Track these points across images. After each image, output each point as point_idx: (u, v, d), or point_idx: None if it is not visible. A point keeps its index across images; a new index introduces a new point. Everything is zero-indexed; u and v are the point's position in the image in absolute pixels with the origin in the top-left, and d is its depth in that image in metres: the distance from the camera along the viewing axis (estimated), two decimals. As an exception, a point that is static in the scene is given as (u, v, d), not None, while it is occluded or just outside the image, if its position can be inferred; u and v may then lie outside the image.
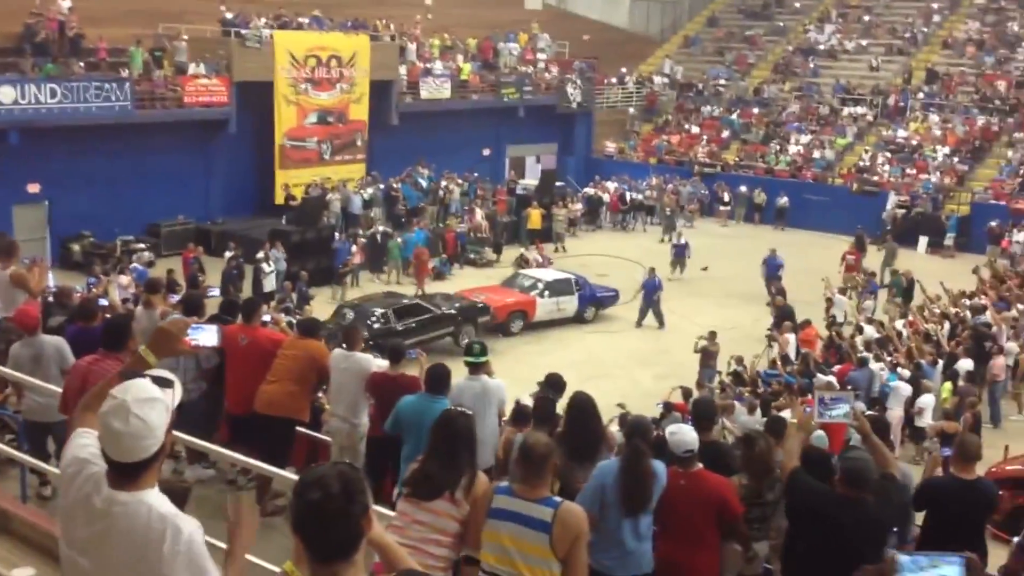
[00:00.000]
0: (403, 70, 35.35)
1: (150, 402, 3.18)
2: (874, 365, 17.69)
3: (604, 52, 44.85)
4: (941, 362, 18.62)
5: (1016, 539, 6.33)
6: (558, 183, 37.46)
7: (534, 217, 33.27)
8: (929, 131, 39.53)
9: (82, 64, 27.96)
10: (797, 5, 49.94)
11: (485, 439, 7.22)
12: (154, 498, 3.20)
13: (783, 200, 37.69)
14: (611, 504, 5.74)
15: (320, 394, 9.98)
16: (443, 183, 34.74)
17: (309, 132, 32.76)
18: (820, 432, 9.36)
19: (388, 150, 34.64)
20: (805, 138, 40.94)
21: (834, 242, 32.45)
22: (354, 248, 27.84)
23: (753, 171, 40.07)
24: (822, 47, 46.51)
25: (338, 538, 2.88)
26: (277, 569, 3.29)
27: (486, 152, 39.77)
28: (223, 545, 3.49)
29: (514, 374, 15.33)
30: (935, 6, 46.38)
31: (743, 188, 38.75)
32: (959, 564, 4.40)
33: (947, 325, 21.15)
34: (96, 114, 26.64)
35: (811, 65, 45.32)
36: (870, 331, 20.68)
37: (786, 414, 10.88)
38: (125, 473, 3.19)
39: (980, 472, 6.77)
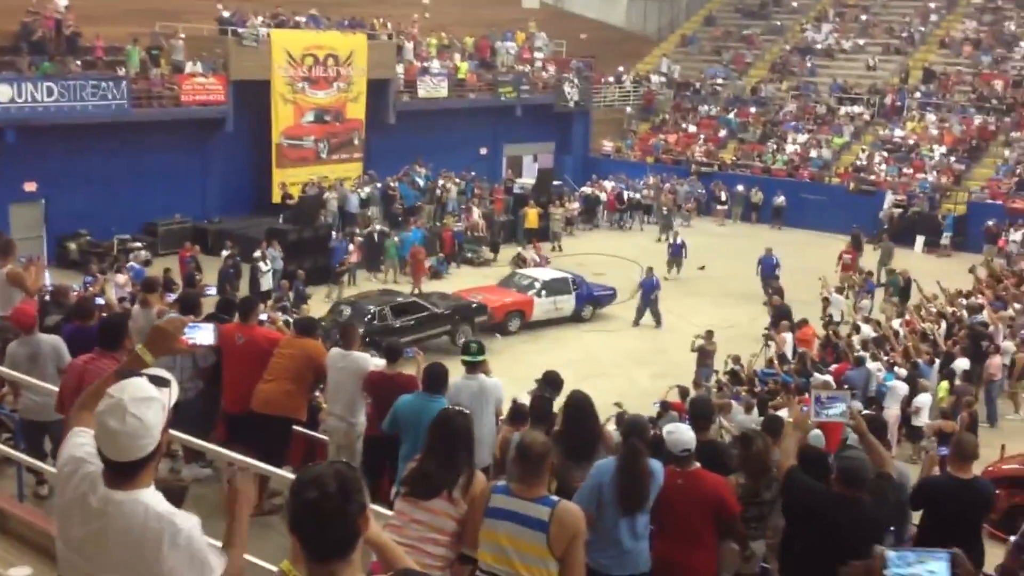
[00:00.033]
0: (400, 69, 35.33)
1: (147, 401, 3.17)
2: (871, 364, 17.72)
3: (601, 51, 44.83)
4: (938, 361, 18.65)
5: (1013, 538, 6.32)
6: (555, 182, 37.49)
7: (531, 216, 33.30)
8: (926, 130, 39.56)
9: (79, 62, 27.93)
10: (794, 4, 49.95)
11: (482, 438, 7.22)
12: (150, 497, 3.20)
13: (780, 199, 37.71)
14: (608, 503, 5.74)
15: (317, 393, 9.98)
16: (440, 182, 34.72)
17: (306, 131, 32.74)
18: (817, 431, 9.38)
19: (385, 149, 34.63)
20: (802, 137, 40.97)
21: (831, 241, 32.46)
22: (351, 247, 27.83)
23: (750, 170, 40.08)
24: (819, 46, 46.53)
25: (335, 537, 2.87)
26: (274, 568, 3.28)
27: (483, 151, 39.75)
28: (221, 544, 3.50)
29: (511, 373, 15.33)
30: (932, 5, 46.41)
31: (740, 187, 38.76)
32: (946, 559, 4.43)
33: (944, 324, 21.19)
34: (93, 112, 26.61)
35: (808, 64, 45.35)
36: (867, 330, 20.72)
37: (783, 413, 10.89)
38: (121, 472, 3.18)
39: (977, 471, 6.76)
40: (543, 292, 25.15)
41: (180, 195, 29.68)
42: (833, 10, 48.70)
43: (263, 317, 14.77)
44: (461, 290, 25.36)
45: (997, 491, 8.30)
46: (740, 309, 26.18)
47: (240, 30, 30.82)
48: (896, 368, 17.78)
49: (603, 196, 37.90)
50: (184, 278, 23.15)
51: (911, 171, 37.54)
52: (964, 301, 22.79)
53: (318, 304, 24.18)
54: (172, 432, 3.90)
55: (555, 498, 4.89)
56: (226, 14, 31.67)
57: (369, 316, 21.49)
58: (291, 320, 17.68)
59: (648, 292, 25.31)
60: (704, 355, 20.54)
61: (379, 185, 33.21)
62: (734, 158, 41.18)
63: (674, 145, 42.65)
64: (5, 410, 9.10)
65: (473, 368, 8.17)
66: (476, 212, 32.80)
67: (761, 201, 38.34)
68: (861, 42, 45.86)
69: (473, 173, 36.92)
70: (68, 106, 26.12)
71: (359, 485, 2.91)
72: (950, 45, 43.98)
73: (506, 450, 7.14)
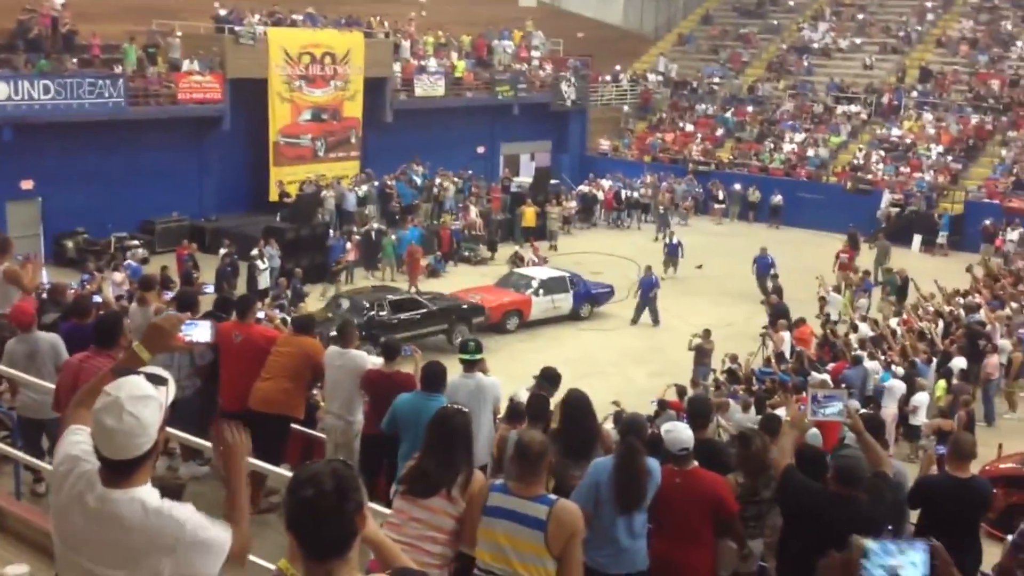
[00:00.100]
0: (397, 67, 35.32)
1: (144, 399, 3.16)
2: (868, 363, 17.73)
3: (598, 50, 44.84)
4: (935, 360, 18.67)
5: (1010, 537, 6.32)
6: (552, 181, 37.49)
7: (528, 215, 33.32)
8: (923, 130, 39.59)
9: (75, 60, 27.92)
10: (791, 3, 50.01)
11: (480, 437, 7.21)
12: (147, 494, 3.19)
13: (777, 198, 37.73)
14: (605, 502, 5.73)
15: (315, 391, 9.97)
16: (437, 180, 34.70)
17: (303, 129, 32.73)
18: (814, 430, 9.38)
19: (382, 147, 34.62)
20: (799, 136, 41.00)
21: (828, 240, 32.50)
22: (348, 245, 27.82)
23: (747, 169, 40.11)
24: (816, 45, 46.56)
25: (331, 536, 2.87)
26: (272, 567, 3.28)
27: (480, 150, 39.76)
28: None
29: (509, 371, 15.34)
30: (929, 4, 46.46)
31: (737, 186, 38.77)
32: (924, 551, 4.48)
33: (941, 323, 21.22)
34: (89, 110, 26.59)
35: (805, 63, 45.38)
36: (864, 329, 20.73)
37: (781, 412, 10.89)
38: (118, 471, 3.17)
39: (974, 470, 6.76)
40: (541, 291, 25.16)
41: (177, 193, 29.65)
42: (830, 9, 48.74)
43: (260, 315, 14.80)
44: (459, 290, 25.35)
45: (994, 490, 8.31)
46: (737, 308, 26.20)
47: (237, 28, 30.78)
48: (893, 367, 17.79)
49: (600, 195, 37.90)
50: (181, 276, 23.19)
51: (908, 170, 37.57)
52: (961, 300, 22.82)
53: (315, 302, 24.20)
54: (170, 430, 3.90)
55: (553, 497, 4.89)
56: (223, 12, 31.65)
57: (368, 311, 21.55)
58: (288, 318, 17.67)
59: (647, 291, 25.33)
60: (702, 354, 20.55)
61: (376, 183, 33.19)
62: (731, 157, 41.20)
63: (671, 144, 42.67)
64: (3, 408, 9.10)
65: (471, 366, 8.16)
66: (473, 211, 32.80)
67: (758, 200, 38.38)
68: (858, 41, 45.89)
69: (470, 172, 36.92)
70: (65, 104, 26.10)
71: (356, 484, 2.90)
72: (947, 44, 44.02)
73: (504, 448, 7.13)
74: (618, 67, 45.85)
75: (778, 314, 22.13)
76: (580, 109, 42.21)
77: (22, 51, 26.90)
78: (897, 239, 32.83)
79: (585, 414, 6.82)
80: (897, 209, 35.65)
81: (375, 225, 29.58)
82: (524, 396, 7.92)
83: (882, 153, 38.92)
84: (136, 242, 27.30)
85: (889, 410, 16.21)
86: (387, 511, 5.24)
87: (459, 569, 5.17)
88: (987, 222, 33.40)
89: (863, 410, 10.47)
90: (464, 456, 5.09)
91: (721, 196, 38.92)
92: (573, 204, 36.60)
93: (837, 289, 25.73)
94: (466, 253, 31.28)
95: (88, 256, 25.13)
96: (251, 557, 5.45)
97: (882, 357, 18.63)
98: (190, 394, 8.46)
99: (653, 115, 45.27)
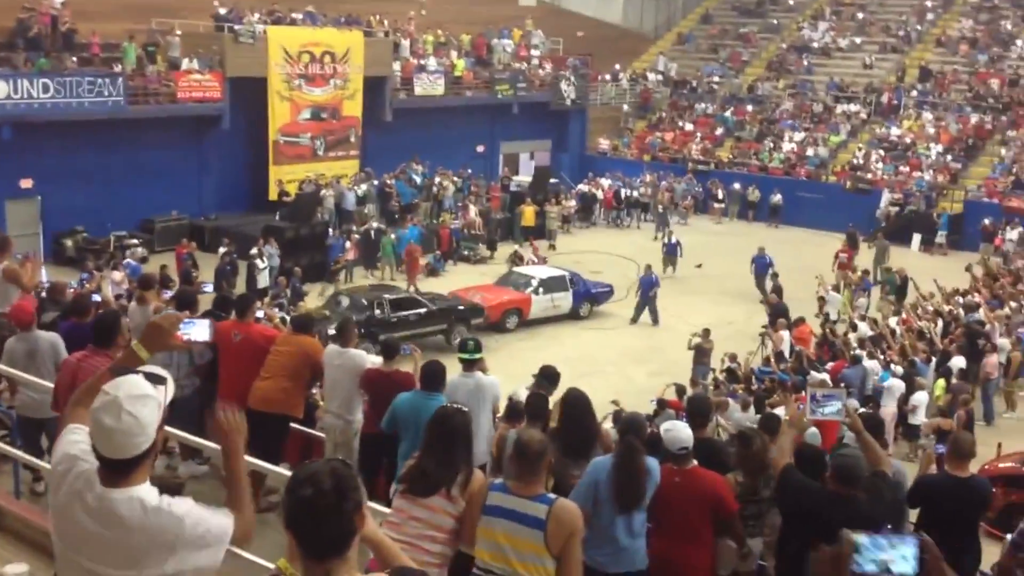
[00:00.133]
0: (397, 66, 35.31)
1: (142, 399, 3.16)
2: (868, 363, 17.72)
3: (598, 49, 44.83)
4: (934, 360, 18.68)
5: (1009, 536, 6.33)
6: (552, 180, 37.48)
7: (528, 214, 33.32)
8: (922, 129, 39.59)
9: (75, 59, 27.91)
10: (791, 2, 50.00)
11: (480, 436, 7.21)
12: (145, 492, 3.19)
13: (777, 198, 37.73)
14: (604, 501, 5.73)
15: (314, 390, 9.96)
16: (437, 179, 34.70)
17: (303, 128, 32.73)
18: (813, 429, 9.39)
19: (382, 146, 34.61)
20: (799, 135, 40.99)
21: (828, 239, 32.51)
22: (348, 244, 27.81)
23: (747, 168, 40.11)
24: (816, 45, 46.56)
25: (330, 535, 2.86)
26: (271, 566, 3.27)
27: (480, 149, 39.75)
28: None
29: (508, 370, 15.35)
30: (929, 4, 46.45)
31: (737, 185, 38.77)
32: (914, 544, 4.51)
33: (940, 323, 21.22)
34: (89, 109, 26.58)
35: (805, 63, 45.37)
36: (864, 328, 20.73)
37: (780, 411, 10.89)
38: (117, 470, 3.17)
39: (973, 470, 6.76)
40: (541, 290, 25.16)
41: (177, 192, 29.64)
42: (830, 8, 48.73)
43: (260, 314, 14.79)
44: (459, 289, 25.34)
45: (994, 489, 8.31)
46: (737, 307, 26.20)
47: (236, 27, 30.77)
48: (893, 366, 17.79)
49: (600, 194, 37.90)
50: (181, 275, 23.17)
51: (907, 169, 37.57)
52: (961, 299, 22.83)
53: (316, 301, 24.19)
54: (169, 429, 3.89)
55: (552, 496, 4.89)
56: (222, 11, 31.65)
57: (367, 308, 21.57)
58: (288, 317, 17.67)
59: (647, 290, 25.33)
60: (701, 353, 20.55)
61: (376, 182, 33.18)
62: (731, 156, 41.20)
63: (671, 143, 42.67)
64: (2, 407, 9.09)
65: (470, 366, 8.16)
66: (473, 210, 32.81)
67: (758, 199, 38.39)
68: (858, 40, 45.88)
69: (470, 171, 36.92)
70: (64, 103, 26.08)
71: (355, 483, 2.90)
72: (947, 44, 44.01)
73: (503, 448, 7.13)
74: (618, 66, 45.83)
75: (777, 313, 22.14)
76: (579, 108, 42.20)
77: (21, 50, 26.88)
78: (896, 238, 32.85)
79: (584, 413, 6.82)
80: (896, 208, 35.66)
81: (374, 224, 29.57)
82: (523, 395, 7.92)
83: (881, 152, 38.92)
84: (135, 241, 27.31)
85: (888, 409, 16.21)
86: (386, 510, 5.24)
87: (458, 568, 5.17)
88: (986, 221, 33.42)
89: (862, 409, 10.47)
90: (464, 455, 5.08)
91: (720, 195, 38.93)
92: (572, 203, 36.60)
93: (836, 288, 25.75)
94: (465, 252, 31.28)
95: (87, 255, 25.12)
96: (251, 556, 5.46)
97: (881, 356, 18.64)
98: (189, 393, 8.46)
99: (653, 114, 45.26)
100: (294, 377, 8.57)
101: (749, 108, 43.39)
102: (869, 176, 37.59)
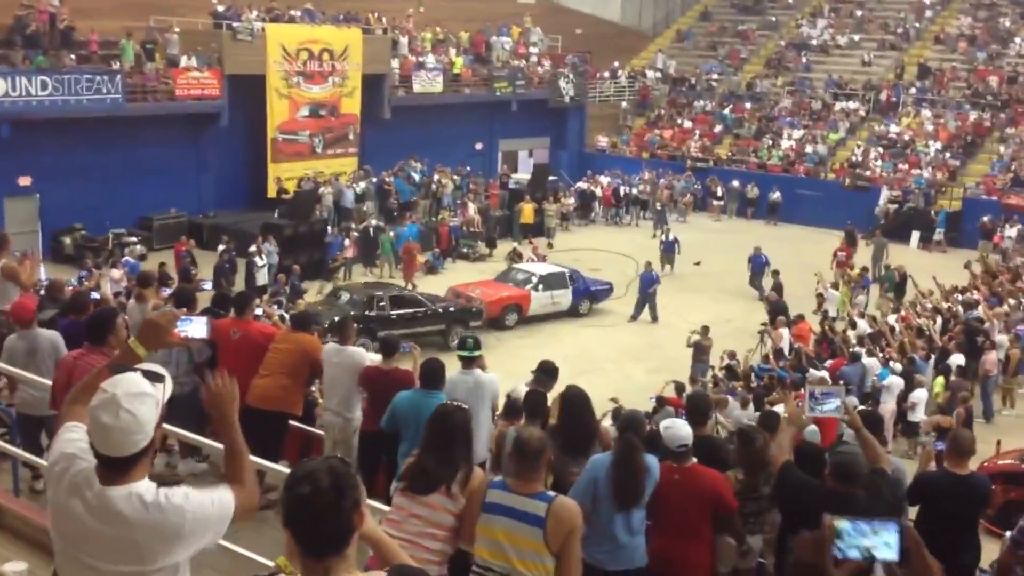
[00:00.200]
0: (395, 64, 35.29)
1: (140, 397, 3.15)
2: (867, 360, 17.73)
3: (596, 46, 44.82)
4: (933, 357, 18.68)
5: (1009, 533, 6.33)
6: (551, 177, 37.47)
7: (527, 211, 33.33)
8: (921, 126, 39.59)
9: (73, 56, 27.88)
10: (790, 0, 49.95)
11: (479, 433, 7.20)
12: (144, 488, 3.18)
13: (776, 195, 37.74)
14: (603, 498, 5.73)
15: (313, 388, 9.96)
16: (436, 177, 34.69)
17: (301, 125, 32.71)
18: (812, 427, 9.39)
19: (380, 144, 34.59)
20: (797, 133, 40.98)
21: (826, 237, 32.52)
22: (347, 242, 27.81)
23: (746, 166, 40.10)
24: (814, 42, 46.55)
25: (328, 533, 2.86)
26: (271, 563, 3.27)
27: (479, 146, 39.74)
28: (222, 541, 3.49)
29: (507, 368, 15.33)
30: (927, 1, 46.49)
31: (735, 183, 38.77)
32: (896, 531, 4.53)
33: (939, 320, 21.22)
34: (87, 107, 26.55)
35: (803, 60, 45.37)
36: (863, 326, 20.73)
37: (779, 409, 10.89)
38: (115, 468, 3.16)
39: (973, 467, 6.76)
40: (540, 286, 25.15)
41: (175, 190, 29.62)
42: (828, 5, 48.71)
43: (259, 312, 14.79)
44: (458, 284, 25.33)
45: (993, 486, 8.30)
46: (736, 305, 26.20)
47: (235, 24, 30.74)
48: (892, 363, 17.80)
49: (599, 191, 37.89)
50: (179, 273, 23.17)
51: (906, 167, 37.57)
52: (960, 297, 22.84)
53: (314, 298, 24.19)
54: (168, 427, 3.89)
55: (552, 493, 4.88)
56: (221, 8, 31.61)
57: (367, 305, 21.58)
58: (287, 315, 17.67)
59: (646, 287, 25.32)
60: (700, 351, 20.55)
61: (374, 180, 33.16)
62: (729, 154, 41.19)
63: (669, 140, 42.67)
64: (2, 404, 9.08)
65: (469, 363, 8.15)
66: (472, 207, 32.81)
67: (756, 197, 38.41)
68: (856, 38, 45.88)
69: (468, 168, 36.91)
70: (62, 100, 26.05)
71: (353, 481, 2.89)
72: (945, 41, 44.01)
73: (502, 445, 7.12)
74: (616, 63, 45.83)
75: (777, 311, 22.15)
76: (578, 105, 42.18)
77: (20, 47, 26.85)
78: (895, 236, 32.86)
79: (583, 411, 6.81)
80: (895, 206, 35.68)
81: (373, 222, 29.55)
82: (522, 391, 7.91)
83: (880, 150, 38.91)
84: (134, 239, 27.29)
85: (887, 406, 16.23)
86: (386, 508, 5.24)
87: (458, 566, 5.16)
88: (985, 219, 33.42)
89: (861, 407, 10.48)
90: (464, 453, 5.08)
91: (719, 193, 38.93)
92: (571, 201, 36.59)
93: (835, 286, 25.77)
94: (464, 250, 31.29)
95: (86, 252, 25.08)
96: (250, 553, 5.46)
97: (880, 354, 18.64)
98: (188, 391, 8.46)
99: (651, 111, 45.24)
100: (293, 375, 8.57)
101: (748, 105, 43.38)
102: (868, 173, 37.59)
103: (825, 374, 16.11)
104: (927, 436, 15.55)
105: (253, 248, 24.89)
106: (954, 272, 26.05)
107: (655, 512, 5.97)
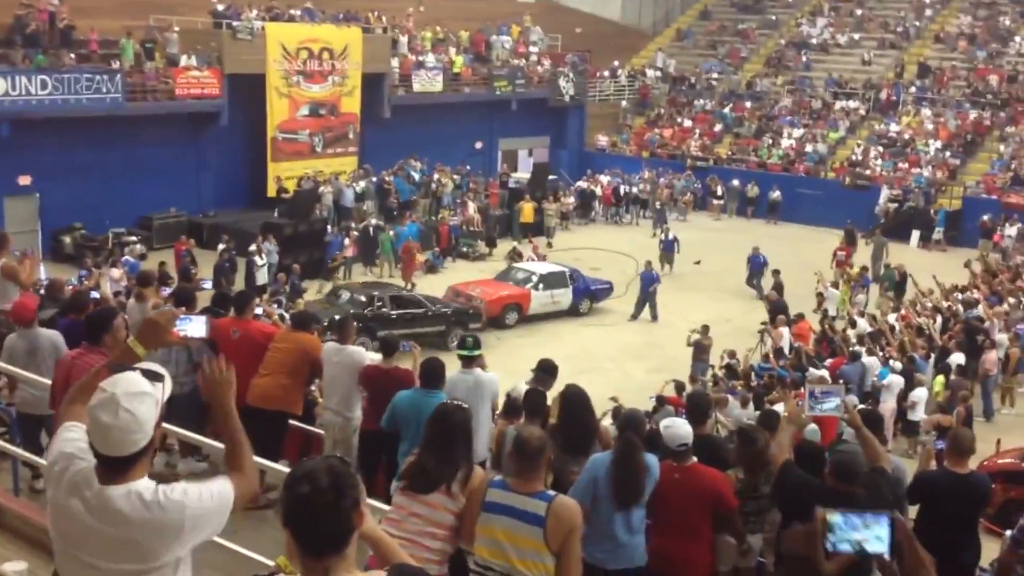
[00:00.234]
0: (395, 63, 35.28)
1: (140, 396, 3.15)
2: (867, 359, 17.73)
3: (596, 45, 44.81)
4: (933, 356, 18.68)
5: (1009, 532, 6.34)
6: (551, 176, 37.47)
7: (526, 211, 33.33)
8: (921, 125, 39.59)
9: (73, 56, 27.87)
10: (790, -1, 50.04)
11: (479, 432, 7.20)
12: (143, 487, 3.18)
13: (776, 194, 37.74)
14: (603, 497, 5.72)
15: (313, 387, 9.95)
16: (435, 176, 34.68)
17: (301, 125, 32.70)
18: (812, 426, 9.39)
19: (380, 143, 34.59)
20: (797, 132, 40.97)
21: (826, 236, 32.52)
22: (346, 241, 27.79)
23: (746, 165, 40.09)
24: (814, 41, 46.55)
25: (328, 532, 2.85)
26: (270, 563, 3.27)
27: (478, 145, 39.73)
28: (222, 541, 3.49)
29: (507, 367, 15.33)
30: (927, 0, 46.41)
31: (736, 182, 38.76)
32: (887, 525, 4.54)
33: (939, 319, 21.22)
34: (87, 106, 26.53)
35: (803, 59, 45.36)
36: (863, 325, 20.73)
37: (779, 407, 10.89)
38: (114, 467, 3.16)
39: (972, 466, 6.76)
40: (540, 285, 25.15)
41: (175, 189, 29.61)
42: (828, 4, 48.69)
43: (258, 311, 14.78)
44: (458, 283, 25.32)
45: (992, 485, 8.30)
46: (736, 304, 26.21)
47: (234, 23, 30.74)
48: (892, 363, 17.80)
49: (599, 191, 37.89)
50: (179, 272, 23.18)
51: (906, 166, 37.57)
52: (960, 296, 22.83)
53: (313, 298, 24.18)
54: (167, 426, 3.88)
55: (551, 493, 4.87)
56: (220, 7, 31.60)
57: (367, 304, 21.57)
58: (286, 314, 17.67)
59: (647, 286, 25.32)
60: (700, 350, 20.55)
61: (374, 179, 33.15)
62: (729, 153, 41.18)
63: (669, 140, 42.66)
64: (2, 404, 9.08)
65: (469, 362, 8.15)
66: (471, 207, 32.80)
67: (756, 196, 38.40)
68: (856, 37, 45.87)
69: (468, 167, 36.91)
70: (62, 99, 26.04)
71: (353, 480, 2.89)
72: (945, 40, 44.00)
73: (502, 444, 7.12)
74: (616, 62, 45.81)
75: (777, 310, 22.15)
76: (578, 105, 42.16)
77: (19, 46, 26.83)
78: (895, 235, 32.87)
79: (583, 410, 6.81)
80: (895, 205, 35.67)
81: (373, 221, 29.54)
82: (522, 389, 7.91)
83: (880, 149, 38.90)
84: (134, 238, 27.27)
85: (887, 405, 16.23)
86: (386, 507, 5.23)
87: (457, 565, 5.16)
88: (985, 218, 33.41)
89: (861, 406, 10.48)
90: (464, 452, 5.08)
91: (719, 192, 38.93)
92: (571, 200, 36.58)
93: (835, 285, 25.77)
94: (464, 249, 31.28)
95: (86, 252, 25.06)
96: (250, 553, 5.46)
97: (880, 353, 18.65)
98: (188, 390, 8.45)
99: (651, 111, 45.23)
100: (293, 374, 8.57)
101: (748, 104, 43.38)
102: (868, 172, 37.59)
103: (825, 373, 16.10)
104: (927, 435, 15.55)
105: (253, 247, 24.89)
106: (954, 271, 26.05)
107: (655, 511, 5.96)
